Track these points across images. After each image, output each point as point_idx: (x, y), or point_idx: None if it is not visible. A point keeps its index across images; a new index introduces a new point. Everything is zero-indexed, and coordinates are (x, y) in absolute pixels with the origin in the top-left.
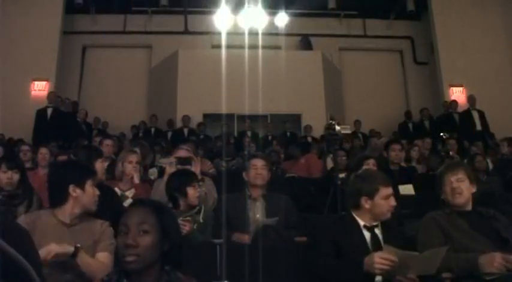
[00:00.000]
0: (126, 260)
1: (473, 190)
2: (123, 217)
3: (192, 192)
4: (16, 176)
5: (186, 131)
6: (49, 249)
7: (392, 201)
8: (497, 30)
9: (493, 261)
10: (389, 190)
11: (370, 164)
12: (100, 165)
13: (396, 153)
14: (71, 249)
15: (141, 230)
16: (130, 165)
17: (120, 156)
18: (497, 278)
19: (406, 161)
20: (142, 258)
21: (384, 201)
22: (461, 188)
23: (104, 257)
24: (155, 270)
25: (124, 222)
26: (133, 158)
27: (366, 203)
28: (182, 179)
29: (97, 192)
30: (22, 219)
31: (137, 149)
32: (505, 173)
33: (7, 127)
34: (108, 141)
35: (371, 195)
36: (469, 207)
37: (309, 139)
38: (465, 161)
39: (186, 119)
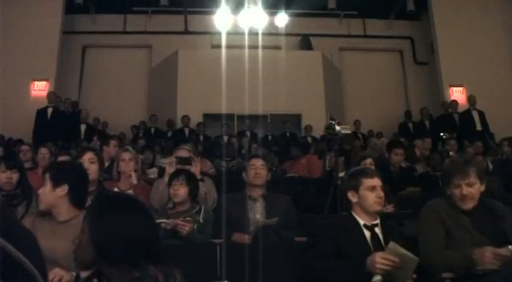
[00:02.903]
0: None
1: (483, 189)
2: None
3: (171, 189)
4: (15, 176)
5: (187, 131)
6: (55, 273)
7: (379, 193)
8: (497, 30)
9: (484, 255)
10: (373, 181)
11: (367, 163)
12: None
13: (398, 158)
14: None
15: None
16: (123, 162)
17: (116, 155)
18: (492, 272)
19: (408, 161)
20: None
21: (368, 192)
22: (472, 193)
23: None
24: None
25: None
26: (126, 155)
27: (353, 197)
28: (170, 178)
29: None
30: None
31: (130, 147)
32: (505, 173)
33: (7, 127)
34: (113, 142)
35: (356, 188)
36: (471, 206)
37: (309, 139)
38: None
39: (186, 119)
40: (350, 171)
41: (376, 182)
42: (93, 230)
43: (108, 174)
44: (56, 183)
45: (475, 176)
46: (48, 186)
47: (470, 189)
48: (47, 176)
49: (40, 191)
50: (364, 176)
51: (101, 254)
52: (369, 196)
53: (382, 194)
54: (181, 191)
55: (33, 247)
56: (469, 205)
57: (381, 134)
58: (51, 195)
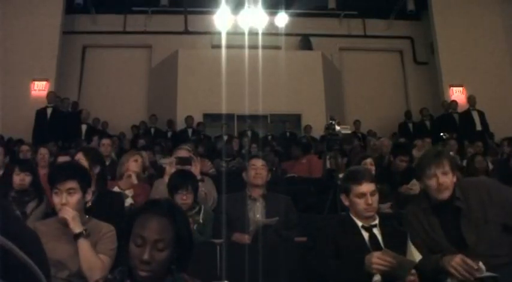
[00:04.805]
0: (139, 274)
1: (455, 180)
2: (138, 225)
3: (179, 198)
4: (28, 178)
5: (190, 131)
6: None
7: (368, 200)
8: (497, 30)
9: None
10: (361, 188)
11: (367, 164)
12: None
13: (403, 164)
14: (81, 228)
15: (158, 247)
16: (135, 163)
17: (125, 155)
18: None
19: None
20: (155, 272)
21: (357, 199)
22: (447, 182)
23: (103, 259)
24: (161, 271)
25: (140, 234)
26: (138, 157)
27: (345, 200)
28: (175, 186)
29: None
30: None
31: (143, 152)
32: (505, 173)
33: (7, 127)
34: (105, 141)
35: (347, 193)
36: (447, 196)
37: (309, 139)
38: (464, 161)
39: (189, 119)
40: (344, 174)
41: (365, 188)
42: (185, 232)
43: (108, 174)
44: (84, 189)
45: (448, 165)
46: (77, 194)
47: (445, 178)
48: (72, 183)
49: (64, 203)
50: (353, 182)
51: (179, 255)
52: (358, 203)
53: (371, 201)
54: (189, 199)
55: (37, 247)
56: (444, 195)
57: (375, 133)
58: (82, 203)
